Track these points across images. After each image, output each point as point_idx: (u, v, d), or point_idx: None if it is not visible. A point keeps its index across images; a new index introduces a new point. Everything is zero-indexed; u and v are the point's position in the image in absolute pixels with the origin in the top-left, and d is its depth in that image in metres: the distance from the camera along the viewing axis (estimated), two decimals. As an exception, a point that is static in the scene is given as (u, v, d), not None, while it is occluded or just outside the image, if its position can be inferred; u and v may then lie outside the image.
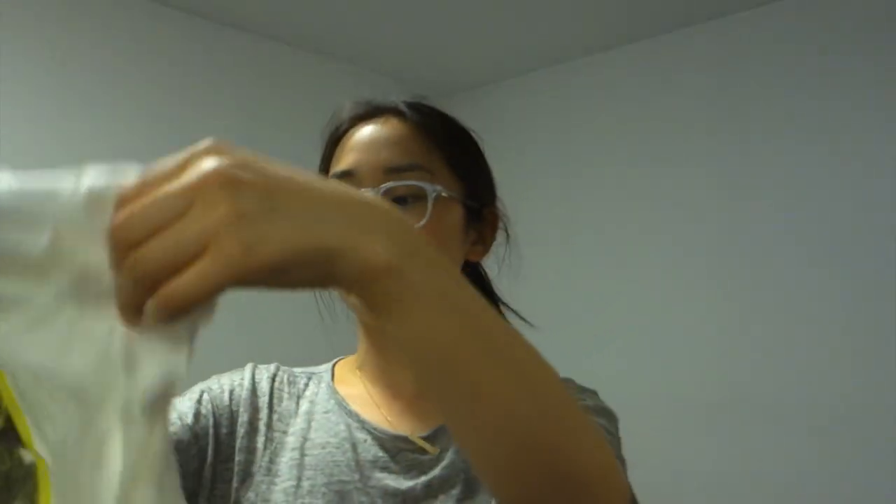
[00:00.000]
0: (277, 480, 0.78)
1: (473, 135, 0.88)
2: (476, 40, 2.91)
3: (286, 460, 0.79)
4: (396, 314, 0.45)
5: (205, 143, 0.42)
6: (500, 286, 0.95)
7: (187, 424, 0.77)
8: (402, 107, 0.84)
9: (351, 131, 0.84)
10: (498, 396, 0.48)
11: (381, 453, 0.79)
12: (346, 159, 0.82)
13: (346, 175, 0.80)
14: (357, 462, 0.78)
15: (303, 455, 0.79)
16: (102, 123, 2.42)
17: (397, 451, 0.79)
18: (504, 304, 0.94)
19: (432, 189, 0.78)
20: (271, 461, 0.79)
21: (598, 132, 2.97)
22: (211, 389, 0.82)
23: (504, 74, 3.18)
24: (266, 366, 0.88)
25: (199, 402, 0.80)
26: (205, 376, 0.83)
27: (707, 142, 2.69)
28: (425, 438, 0.80)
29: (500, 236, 0.90)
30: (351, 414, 0.82)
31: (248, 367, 0.87)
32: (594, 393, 0.84)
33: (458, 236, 0.83)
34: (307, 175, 0.44)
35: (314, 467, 0.78)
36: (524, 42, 2.93)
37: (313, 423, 0.82)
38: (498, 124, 3.13)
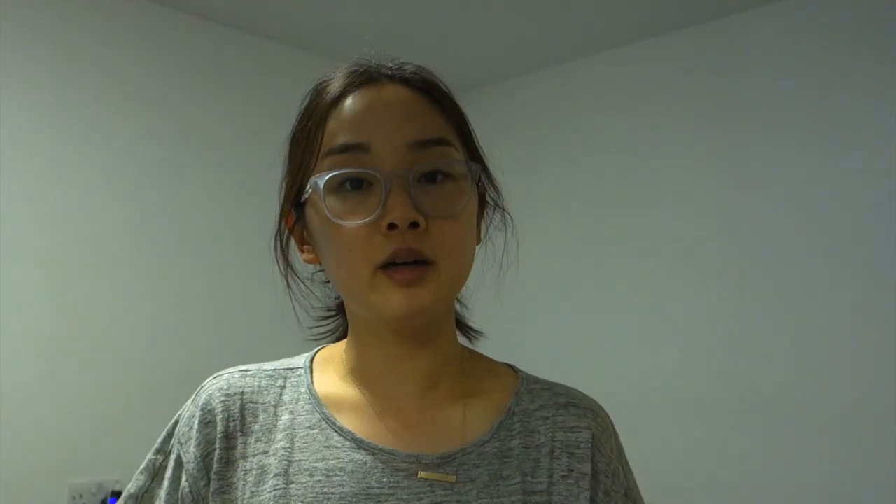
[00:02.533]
0: None
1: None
2: (476, 40, 2.91)
3: (268, 489, 0.68)
4: None
5: None
6: (504, 282, 0.87)
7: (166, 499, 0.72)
8: (409, 73, 0.72)
9: (346, 99, 0.71)
10: None
11: (385, 478, 0.67)
12: (350, 132, 0.68)
13: (356, 148, 0.67)
14: (355, 496, 0.67)
15: (288, 483, 0.68)
16: (103, 123, 2.41)
17: (406, 475, 0.68)
18: (474, 332, 0.82)
19: (475, 168, 0.70)
20: (252, 494, 0.68)
21: (598, 132, 2.97)
22: (181, 444, 0.73)
23: (504, 74, 3.17)
24: (229, 374, 0.76)
25: (175, 469, 0.73)
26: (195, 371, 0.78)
27: (707, 142, 2.69)
28: (438, 460, 0.69)
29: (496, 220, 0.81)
30: (342, 431, 0.70)
31: (209, 388, 0.75)
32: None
33: (475, 226, 0.75)
34: None
35: (302, 498, 0.67)
36: (524, 42, 2.93)
37: (296, 441, 0.70)
38: (498, 124, 3.13)
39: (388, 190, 0.65)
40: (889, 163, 2.31)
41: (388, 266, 0.66)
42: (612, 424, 0.78)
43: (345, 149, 0.68)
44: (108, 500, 2.22)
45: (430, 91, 0.72)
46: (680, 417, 2.59)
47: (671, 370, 2.66)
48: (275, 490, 0.68)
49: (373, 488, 0.67)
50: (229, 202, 2.69)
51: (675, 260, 2.71)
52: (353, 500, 0.66)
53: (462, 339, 0.80)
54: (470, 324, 0.82)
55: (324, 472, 0.68)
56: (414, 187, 0.66)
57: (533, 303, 2.91)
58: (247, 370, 0.77)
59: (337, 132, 0.69)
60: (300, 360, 0.79)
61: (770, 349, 2.47)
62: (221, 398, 0.73)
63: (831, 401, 2.33)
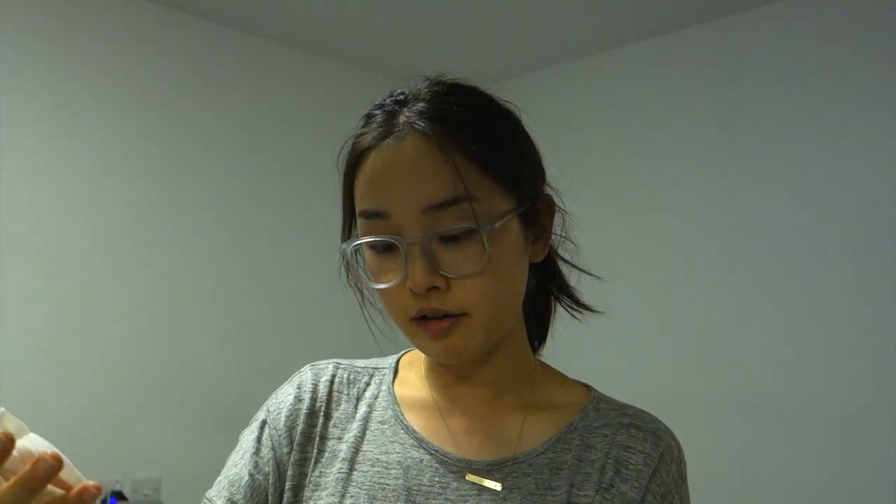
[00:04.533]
0: (323, 494, 0.73)
1: (502, 109, 0.75)
2: (476, 41, 2.91)
3: (334, 472, 0.74)
4: None
5: None
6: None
7: (251, 461, 0.76)
8: (420, 123, 0.69)
9: (368, 157, 0.71)
10: None
11: (437, 477, 0.71)
12: (372, 197, 0.69)
13: (378, 216, 0.69)
14: (407, 490, 0.71)
15: (351, 469, 0.74)
16: (103, 123, 2.41)
17: (456, 478, 0.71)
18: (584, 306, 0.88)
19: (487, 226, 0.67)
20: (321, 474, 0.75)
21: (598, 132, 2.97)
22: (269, 412, 0.79)
23: (504, 75, 3.17)
24: (325, 364, 0.83)
25: (260, 430, 0.78)
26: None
27: (707, 142, 2.69)
28: (488, 467, 0.71)
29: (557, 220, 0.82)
30: (408, 429, 0.75)
31: (305, 372, 0.82)
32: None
33: (520, 250, 0.73)
34: None
35: (360, 485, 0.72)
36: (524, 42, 2.93)
37: (367, 434, 0.76)
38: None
39: (406, 257, 0.67)
40: (890, 162, 2.31)
41: (422, 318, 0.69)
42: (679, 451, 0.77)
43: (368, 216, 0.70)
44: (109, 500, 2.22)
45: (448, 134, 0.69)
46: (680, 418, 2.58)
47: (671, 370, 2.66)
48: (339, 473, 0.74)
49: (423, 485, 0.71)
50: (230, 202, 2.69)
51: (675, 260, 2.71)
52: (405, 493, 0.71)
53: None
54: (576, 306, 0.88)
55: (384, 463, 0.73)
56: (434, 249, 0.67)
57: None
58: (340, 363, 0.83)
59: (363, 195, 0.70)
60: (388, 360, 0.84)
61: (770, 349, 2.47)
62: (313, 381, 0.80)
63: (831, 401, 2.33)
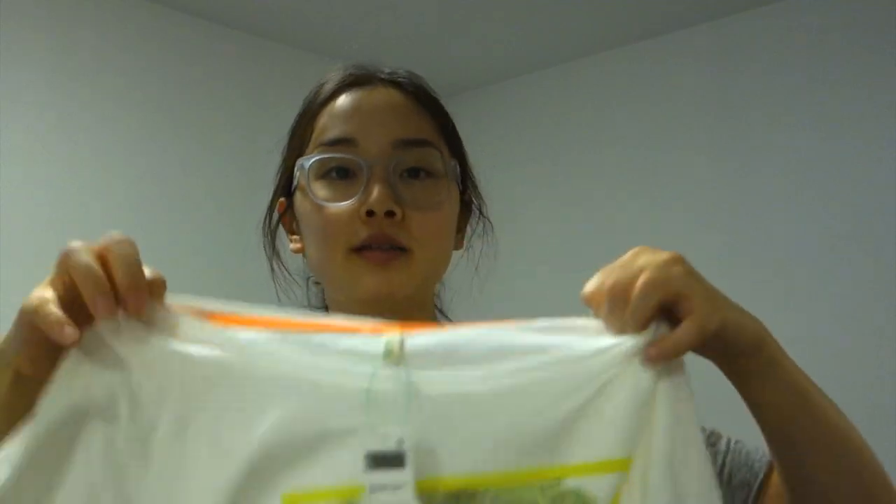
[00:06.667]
0: None
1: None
2: (475, 41, 2.91)
3: None
4: (756, 383, 0.60)
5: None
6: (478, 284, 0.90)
7: None
8: (400, 77, 0.77)
9: (339, 98, 0.76)
10: (822, 468, 0.60)
11: None
12: (340, 127, 0.73)
13: (344, 142, 0.72)
14: None
15: None
16: (103, 123, 2.41)
17: None
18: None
19: (453, 165, 0.74)
20: None
21: (598, 132, 2.97)
22: None
23: (504, 75, 3.17)
24: None
25: None
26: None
27: (707, 142, 2.69)
28: None
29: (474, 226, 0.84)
30: None
31: None
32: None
33: (453, 223, 0.78)
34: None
35: None
36: (524, 42, 2.93)
37: None
38: (497, 125, 3.13)
39: (368, 178, 0.70)
40: (890, 161, 2.31)
41: (363, 249, 0.70)
42: None
43: (333, 142, 0.73)
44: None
45: (419, 96, 0.76)
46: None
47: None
48: None
49: None
50: (230, 202, 2.68)
51: (675, 260, 2.71)
52: None
53: None
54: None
55: None
56: (395, 180, 0.71)
57: (530, 305, 2.90)
58: None
59: (327, 126, 0.74)
60: None
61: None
62: None
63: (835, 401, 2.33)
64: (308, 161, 0.73)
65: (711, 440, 0.75)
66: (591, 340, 0.53)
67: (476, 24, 2.77)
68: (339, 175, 0.72)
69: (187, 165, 2.59)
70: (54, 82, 2.34)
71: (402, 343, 0.50)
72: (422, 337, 0.51)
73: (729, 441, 0.74)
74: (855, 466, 0.62)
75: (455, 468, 0.48)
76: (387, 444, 0.47)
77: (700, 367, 0.62)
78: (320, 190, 0.73)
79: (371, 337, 0.50)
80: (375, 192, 0.69)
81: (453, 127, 0.79)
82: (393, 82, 0.76)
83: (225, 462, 0.47)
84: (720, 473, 0.71)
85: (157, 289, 0.50)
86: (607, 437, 0.50)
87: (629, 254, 0.55)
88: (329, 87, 0.77)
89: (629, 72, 2.90)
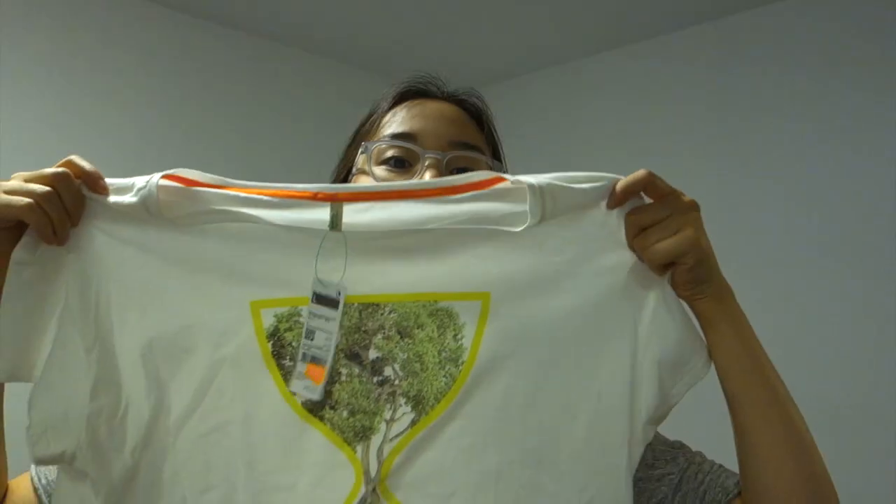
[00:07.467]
0: None
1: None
2: (476, 41, 2.91)
3: None
4: (724, 326, 0.78)
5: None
6: None
7: None
8: (463, 96, 0.89)
9: (401, 105, 0.86)
10: (787, 406, 0.77)
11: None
12: (405, 123, 0.84)
13: (407, 136, 0.82)
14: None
15: None
16: (102, 123, 2.42)
17: None
18: None
19: (500, 167, 0.85)
20: None
21: (598, 132, 2.97)
22: None
23: (504, 75, 3.18)
24: None
25: None
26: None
27: (707, 142, 2.69)
28: None
29: None
30: None
31: None
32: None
33: None
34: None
35: None
36: (524, 42, 2.93)
37: None
38: (496, 124, 3.13)
39: (424, 165, 0.80)
40: (890, 161, 2.31)
41: None
42: None
43: (397, 135, 0.83)
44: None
45: (475, 112, 0.89)
46: (676, 418, 2.59)
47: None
48: None
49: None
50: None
51: (675, 260, 2.71)
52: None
53: None
54: None
55: None
56: (446, 174, 0.80)
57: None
58: None
59: (392, 124, 0.85)
60: None
61: (769, 348, 2.47)
62: None
63: (831, 401, 2.33)
64: (372, 144, 0.82)
65: (686, 453, 0.91)
66: (507, 206, 0.69)
67: (476, 24, 2.77)
68: (397, 164, 0.81)
69: (187, 166, 2.58)
70: (54, 82, 2.34)
71: (340, 213, 0.68)
72: (358, 209, 0.68)
73: (713, 463, 0.87)
74: (795, 438, 0.77)
75: (366, 290, 0.69)
76: (328, 291, 0.68)
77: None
78: (380, 173, 0.81)
79: (320, 204, 0.68)
80: (427, 176, 0.78)
81: (500, 147, 0.94)
82: (453, 98, 0.88)
83: (203, 271, 0.70)
84: (697, 489, 0.83)
85: (92, 181, 0.70)
86: (474, 276, 0.69)
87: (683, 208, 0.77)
88: (396, 93, 0.88)
89: (629, 72, 2.91)
